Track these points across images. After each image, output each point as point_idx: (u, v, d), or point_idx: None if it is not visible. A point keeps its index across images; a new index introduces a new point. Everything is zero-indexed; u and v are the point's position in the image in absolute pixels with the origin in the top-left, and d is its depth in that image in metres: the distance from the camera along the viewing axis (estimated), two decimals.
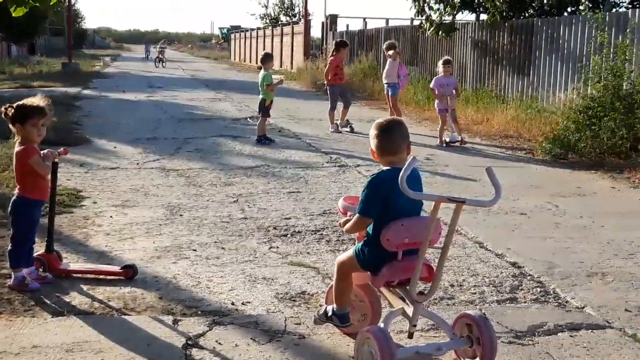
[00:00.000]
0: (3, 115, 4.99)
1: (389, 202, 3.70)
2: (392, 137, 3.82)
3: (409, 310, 3.77)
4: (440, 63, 12.83)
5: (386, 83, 14.25)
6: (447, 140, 12.26)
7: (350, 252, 3.99)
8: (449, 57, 13.67)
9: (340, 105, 14.29)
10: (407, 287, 3.77)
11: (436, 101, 12.68)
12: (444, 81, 12.48)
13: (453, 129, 12.49)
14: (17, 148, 5.01)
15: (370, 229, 3.82)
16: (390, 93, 14.17)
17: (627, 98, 10.76)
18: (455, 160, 10.82)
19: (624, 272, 5.65)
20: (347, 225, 3.97)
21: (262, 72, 12.51)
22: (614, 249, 6.31)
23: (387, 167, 3.79)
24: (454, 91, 12.50)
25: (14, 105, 4.96)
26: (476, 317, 3.81)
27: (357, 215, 3.85)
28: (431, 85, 12.89)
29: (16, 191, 5.08)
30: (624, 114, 10.57)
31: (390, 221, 3.67)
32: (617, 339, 4.34)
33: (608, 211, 7.74)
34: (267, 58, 12.78)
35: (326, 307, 4.20)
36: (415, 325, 3.80)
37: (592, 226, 7.07)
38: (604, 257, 6.05)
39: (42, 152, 5.05)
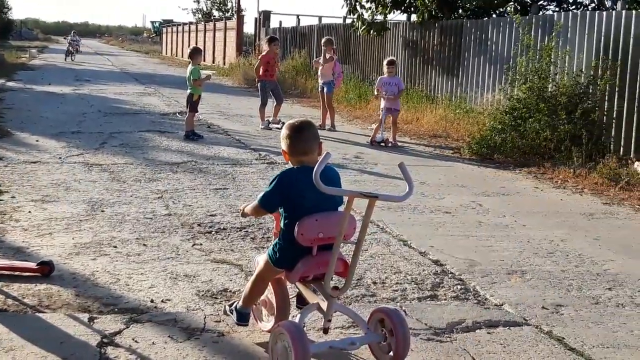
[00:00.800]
0: None
1: (299, 199, 3.71)
2: (303, 137, 3.83)
3: (324, 305, 3.78)
4: (384, 63, 12.94)
5: (322, 81, 14.28)
6: (376, 139, 12.29)
7: (264, 256, 4.01)
8: (393, 58, 13.79)
9: (272, 102, 14.23)
10: (322, 282, 3.76)
11: (380, 101, 12.73)
12: (387, 81, 12.55)
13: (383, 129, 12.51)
14: None
15: (283, 226, 3.82)
16: (325, 90, 14.18)
17: (551, 100, 11.00)
18: (385, 159, 10.88)
19: (542, 271, 5.75)
20: (248, 208, 4.04)
21: (190, 66, 12.36)
22: (534, 247, 6.43)
23: (297, 166, 3.83)
24: (397, 92, 12.53)
25: None
26: (389, 311, 3.84)
27: (257, 201, 3.89)
28: (376, 85, 12.94)
29: None
30: (548, 115, 10.80)
31: (303, 216, 3.67)
32: (533, 336, 4.40)
33: (530, 210, 7.89)
34: (196, 52, 12.64)
35: (234, 302, 4.23)
36: (330, 320, 3.78)
37: (514, 225, 7.19)
38: (524, 256, 6.15)
39: None
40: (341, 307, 3.96)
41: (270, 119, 14.01)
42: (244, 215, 4.16)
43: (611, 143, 10.85)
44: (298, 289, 4.07)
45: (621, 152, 10.63)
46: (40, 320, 4.32)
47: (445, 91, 16.50)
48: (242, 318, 4.13)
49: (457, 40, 16.18)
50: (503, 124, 11.38)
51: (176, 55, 51.73)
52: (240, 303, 4.12)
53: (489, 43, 14.92)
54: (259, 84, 14.31)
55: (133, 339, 4.08)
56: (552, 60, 11.63)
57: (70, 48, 38.60)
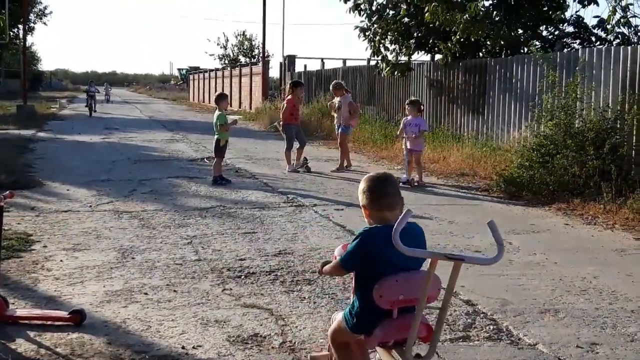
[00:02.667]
0: None
1: (381, 260, 3.45)
2: (386, 191, 3.57)
3: None
4: (405, 104, 13.10)
5: (337, 123, 14.50)
6: (401, 179, 12.26)
7: (338, 319, 3.73)
8: (414, 98, 13.89)
9: (296, 145, 14.33)
10: (404, 348, 3.46)
11: (403, 142, 12.82)
12: (409, 121, 12.61)
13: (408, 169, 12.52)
14: None
15: (359, 289, 3.58)
16: (340, 131, 14.36)
17: (578, 135, 10.94)
18: (412, 199, 10.85)
19: (575, 309, 5.68)
20: (327, 267, 3.79)
21: (216, 112, 12.51)
22: (566, 285, 6.36)
23: (377, 225, 3.55)
24: (418, 132, 12.49)
25: None
26: None
27: (338, 261, 3.65)
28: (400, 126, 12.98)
29: None
30: (575, 151, 10.74)
31: (383, 277, 3.42)
32: None
33: (561, 247, 7.81)
34: (221, 98, 12.80)
35: None
36: None
37: (545, 263, 7.13)
38: (557, 294, 6.08)
39: None
40: None
41: (294, 162, 14.08)
42: (322, 273, 3.88)
43: None
44: (378, 353, 3.79)
45: None
46: None
47: (471, 129, 16.51)
48: None
49: (481, 79, 16.23)
50: (530, 160, 11.34)
51: (203, 102, 52.38)
52: None
53: (513, 81, 14.94)
54: (284, 128, 14.39)
55: None
56: (577, 96, 11.60)
57: (92, 100, 34.47)
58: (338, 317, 3.79)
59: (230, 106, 42.50)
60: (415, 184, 12.26)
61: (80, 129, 23.96)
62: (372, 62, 22.30)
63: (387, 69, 18.70)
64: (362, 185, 3.64)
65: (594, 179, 10.49)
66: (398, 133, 12.83)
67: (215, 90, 48.11)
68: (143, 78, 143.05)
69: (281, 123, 14.45)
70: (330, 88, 15.24)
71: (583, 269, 6.88)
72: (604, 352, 4.76)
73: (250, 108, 35.86)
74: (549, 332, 5.11)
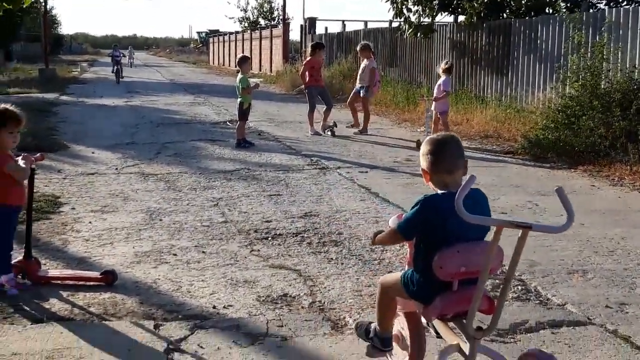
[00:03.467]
0: None
1: (442, 229, 3.26)
2: (448, 153, 3.37)
3: (466, 347, 3.32)
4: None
5: (359, 85, 14.36)
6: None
7: (396, 275, 3.59)
8: (447, 60, 13.81)
9: (321, 108, 14.28)
10: (464, 321, 3.30)
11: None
12: (438, 83, 12.69)
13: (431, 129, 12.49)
14: None
15: (419, 257, 3.40)
16: (362, 93, 14.27)
17: (605, 97, 10.82)
18: None
19: (603, 269, 5.67)
20: (380, 236, 3.63)
21: (239, 75, 12.49)
22: (594, 246, 6.34)
23: (441, 191, 3.36)
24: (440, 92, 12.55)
25: None
26: (543, 356, 3.32)
27: (395, 228, 3.47)
28: None
29: None
30: (602, 112, 10.63)
31: (444, 247, 3.23)
32: (598, 335, 4.35)
33: (588, 209, 7.77)
34: (244, 61, 12.75)
35: (369, 325, 3.85)
36: None
37: (573, 224, 7.07)
38: (584, 255, 6.07)
39: (17, 157, 4.99)
40: (486, 349, 3.44)
41: (321, 124, 14.05)
42: (375, 243, 3.71)
43: None
44: (434, 326, 3.65)
45: None
46: (107, 328, 4.41)
47: (494, 91, 16.38)
48: (386, 343, 3.75)
49: (505, 40, 16.05)
50: (556, 122, 11.25)
51: (223, 65, 52.26)
52: (378, 327, 3.74)
53: (538, 42, 14.77)
54: (306, 90, 14.38)
55: (198, 345, 4.14)
56: (604, 56, 11.45)
57: (117, 66, 31.47)
58: (394, 274, 3.68)
59: (251, 69, 42.41)
60: None
61: (102, 92, 24.01)
62: (395, 24, 22.10)
63: (410, 31, 18.52)
64: (423, 148, 3.43)
65: (620, 141, 10.39)
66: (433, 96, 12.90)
67: (236, 54, 48.01)
68: (163, 41, 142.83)
69: (303, 85, 14.35)
70: (357, 49, 15.10)
71: (610, 231, 6.86)
72: (633, 312, 4.76)
73: (271, 71, 35.72)
74: (578, 293, 5.11)
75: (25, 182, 5.08)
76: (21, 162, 4.93)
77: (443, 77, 12.58)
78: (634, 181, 9.27)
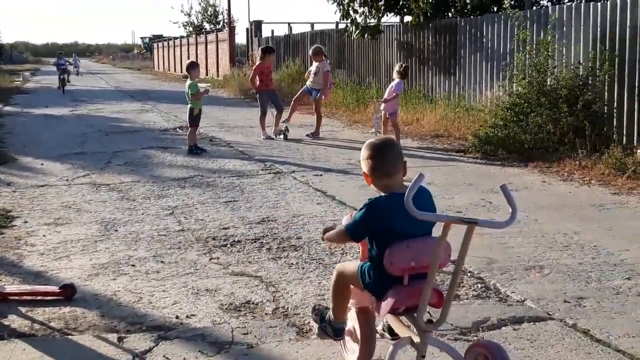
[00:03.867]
0: None
1: (389, 227, 3.37)
2: (387, 157, 3.48)
3: (417, 339, 3.43)
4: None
5: (310, 86, 14.33)
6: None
7: (354, 264, 3.70)
8: (402, 63, 13.74)
9: (272, 112, 14.25)
10: (415, 315, 3.40)
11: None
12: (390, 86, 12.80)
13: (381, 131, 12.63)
14: None
15: (373, 253, 3.50)
16: (313, 95, 14.29)
17: (551, 93, 11.04)
18: None
19: (560, 264, 5.78)
20: (329, 234, 3.73)
21: (188, 81, 12.41)
22: (549, 242, 6.46)
23: (384, 193, 3.47)
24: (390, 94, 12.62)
25: None
26: (491, 346, 3.43)
27: (343, 228, 3.57)
28: None
29: None
30: (549, 109, 10.84)
31: (394, 243, 3.35)
32: (559, 330, 4.43)
33: (540, 205, 7.91)
34: (192, 67, 12.66)
35: (325, 310, 3.98)
36: (423, 357, 3.41)
37: (526, 220, 7.20)
38: (540, 251, 6.18)
39: None
40: (436, 342, 3.56)
41: (273, 128, 14.03)
42: (324, 240, 3.83)
43: (614, 133, 10.86)
44: (387, 321, 3.83)
45: (625, 141, 10.64)
46: (70, 342, 4.34)
47: (443, 91, 16.56)
48: (338, 333, 3.88)
49: (452, 39, 16.24)
50: (505, 120, 11.43)
51: (168, 70, 51.87)
52: (332, 316, 3.85)
53: (484, 40, 14.97)
54: (257, 94, 14.32)
55: (164, 356, 4.10)
56: (549, 53, 11.66)
57: (64, 75, 29.47)
58: (345, 265, 3.82)
59: (185, 75, 42.08)
60: None
61: (47, 102, 23.56)
62: (341, 26, 22.20)
63: (357, 32, 18.62)
64: (363, 153, 3.55)
65: (568, 136, 10.63)
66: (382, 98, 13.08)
67: (181, 59, 47.68)
68: (105, 48, 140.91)
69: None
70: (310, 53, 15.10)
71: (564, 225, 6.99)
72: (591, 305, 4.85)
73: (218, 75, 35.55)
74: (536, 288, 5.20)
75: None
76: None
77: (396, 80, 12.66)
78: (583, 176, 9.47)
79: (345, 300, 3.80)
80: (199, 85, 12.73)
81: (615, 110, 10.96)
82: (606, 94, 11.11)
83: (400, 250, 3.34)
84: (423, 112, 15.55)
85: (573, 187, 8.97)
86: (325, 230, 3.82)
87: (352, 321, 3.90)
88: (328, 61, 15.20)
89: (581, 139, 10.36)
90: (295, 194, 8.68)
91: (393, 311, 3.49)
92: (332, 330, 3.88)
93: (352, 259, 5.92)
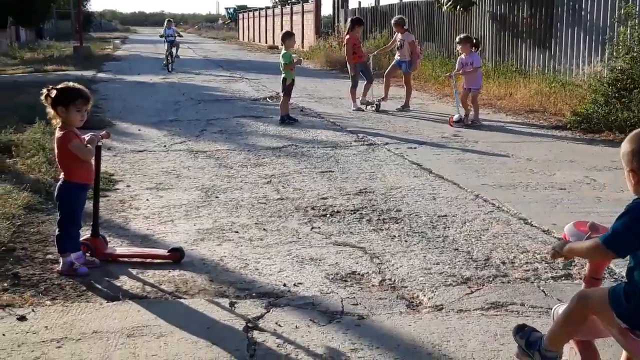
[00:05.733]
0: (44, 98, 4.88)
1: None
2: None
3: None
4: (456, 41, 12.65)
5: (399, 58, 14.13)
6: (454, 118, 11.86)
7: (602, 291, 3.00)
8: (464, 35, 12.90)
9: (361, 82, 14.14)
10: None
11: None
12: (462, 60, 12.19)
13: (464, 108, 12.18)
14: (57, 133, 4.91)
15: (637, 272, 2.87)
16: (402, 68, 14.09)
17: None
18: (483, 136, 10.71)
19: None
20: (576, 247, 3.05)
21: (282, 50, 12.41)
22: None
23: None
24: (470, 69, 12.03)
25: (58, 88, 4.87)
26: None
27: (599, 242, 2.85)
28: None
29: (61, 176, 5.01)
30: None
31: None
32: None
33: None
34: (288, 36, 12.64)
35: (534, 333, 3.32)
36: None
37: None
38: None
39: (84, 136, 4.98)
40: None
41: (361, 99, 13.93)
42: (557, 256, 3.18)
43: None
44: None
45: None
46: (183, 305, 4.39)
47: (537, 65, 16.14)
48: None
49: (548, 12, 15.79)
50: (606, 96, 11.05)
51: (254, 41, 52.17)
52: (546, 342, 3.18)
53: (582, 13, 14.50)
54: (351, 66, 14.09)
55: (276, 323, 4.11)
56: None
57: (170, 48, 23.81)
58: (598, 291, 3.05)
59: (282, 44, 42.22)
60: (469, 122, 11.84)
61: (138, 69, 24.02)
62: None
63: (449, 4, 18.29)
64: (630, 145, 2.85)
65: None
66: (454, 72, 12.45)
67: (266, 29, 47.90)
68: (191, 18, 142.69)
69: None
70: (392, 23, 14.92)
71: None
72: None
73: (303, 47, 35.56)
74: None
75: (92, 159, 5.07)
76: (87, 139, 4.93)
77: (472, 53, 12.18)
78: None
79: (575, 331, 3.13)
80: (293, 55, 12.67)
81: None
82: None
83: None
84: (516, 86, 15.19)
85: None
86: (561, 247, 3.13)
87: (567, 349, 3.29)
88: (411, 33, 14.85)
89: None
90: (390, 166, 8.60)
91: None
92: (541, 357, 3.19)
93: (459, 237, 5.83)
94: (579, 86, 12.99)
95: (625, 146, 2.86)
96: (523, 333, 3.35)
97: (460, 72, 12.18)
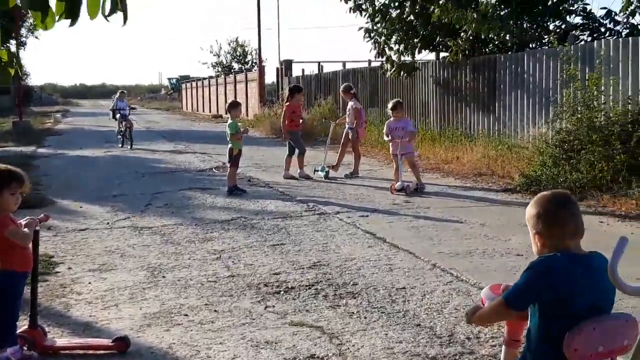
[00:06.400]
0: None
1: (570, 299, 2.83)
2: (573, 213, 2.94)
3: None
4: (388, 107, 12.45)
5: (348, 125, 14.20)
6: (395, 187, 11.51)
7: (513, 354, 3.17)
8: (398, 100, 12.75)
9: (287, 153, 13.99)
10: None
11: (390, 145, 12.20)
12: (394, 125, 12.02)
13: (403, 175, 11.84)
14: None
15: (533, 334, 2.95)
16: (350, 136, 14.08)
17: (603, 130, 10.68)
18: (435, 202, 10.59)
19: None
20: (481, 312, 3.09)
21: (229, 120, 12.22)
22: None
23: (557, 253, 2.90)
24: (407, 135, 11.82)
25: None
26: None
27: (501, 300, 2.96)
28: (384, 130, 12.27)
29: None
30: (601, 146, 10.47)
31: (576, 324, 2.79)
32: None
33: (606, 245, 7.43)
34: (234, 106, 12.46)
35: None
36: None
37: None
38: (619, 295, 5.78)
39: (20, 221, 4.64)
40: None
41: (298, 171, 13.72)
42: (472, 322, 3.21)
43: None
44: None
45: None
46: None
47: (482, 128, 16.25)
48: None
49: (491, 76, 15.98)
50: (554, 157, 11.07)
51: (197, 110, 52.04)
52: None
53: (525, 76, 14.71)
54: (286, 134, 13.91)
55: None
56: (598, 90, 11.32)
57: (124, 124, 21.64)
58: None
59: (226, 113, 42.15)
60: (414, 188, 11.49)
61: (80, 143, 23.50)
62: (374, 64, 22.04)
63: (392, 70, 18.41)
64: (535, 208, 2.98)
65: (622, 174, 10.23)
66: (387, 138, 12.12)
67: (210, 99, 47.84)
68: (133, 89, 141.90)
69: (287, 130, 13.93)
70: (340, 91, 14.94)
71: None
72: None
73: (247, 115, 35.51)
74: None
75: (30, 245, 4.72)
76: (24, 224, 4.60)
77: (403, 119, 12.18)
78: None
79: None
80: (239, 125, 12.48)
81: None
82: None
83: (587, 334, 2.78)
84: (463, 149, 15.22)
85: (634, 227, 8.57)
86: (473, 312, 3.16)
87: None
88: (356, 98, 14.86)
89: (636, 177, 9.97)
90: (343, 237, 8.37)
91: None
92: None
93: (421, 312, 5.61)
94: (524, 148, 13.04)
95: (530, 210, 2.99)
96: None
97: (396, 138, 11.84)
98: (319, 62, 30.33)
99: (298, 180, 13.36)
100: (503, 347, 3.36)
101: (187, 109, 57.47)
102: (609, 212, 9.49)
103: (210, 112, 46.52)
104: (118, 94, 23.59)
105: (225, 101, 42.23)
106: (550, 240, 2.92)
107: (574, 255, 2.88)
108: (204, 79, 51.49)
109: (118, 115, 21.89)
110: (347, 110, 14.44)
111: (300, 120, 14.36)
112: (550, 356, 2.86)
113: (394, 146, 11.88)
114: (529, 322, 2.99)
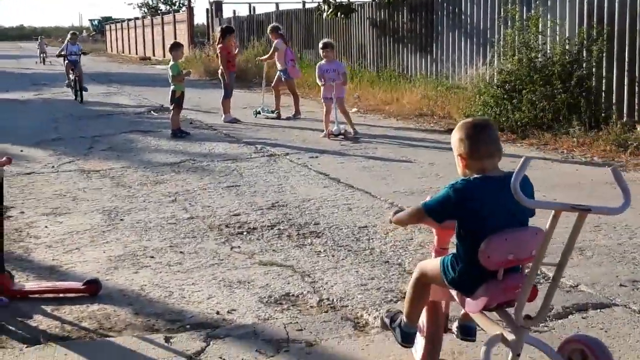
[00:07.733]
0: None
1: (483, 214, 3.08)
2: (489, 136, 3.18)
3: (511, 337, 3.13)
4: (319, 47, 11.90)
5: (280, 68, 14.04)
6: (333, 131, 11.17)
7: (434, 261, 3.39)
8: (328, 40, 12.39)
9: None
10: (507, 310, 3.20)
11: (321, 89, 11.59)
12: (326, 67, 11.43)
13: (339, 120, 11.27)
14: None
15: (460, 244, 3.19)
16: (283, 78, 13.96)
17: (543, 70, 10.87)
18: (382, 143, 10.67)
19: (599, 246, 5.60)
20: (400, 215, 3.40)
21: (170, 62, 11.99)
22: None
23: (477, 175, 3.14)
24: (340, 77, 11.26)
25: None
26: (591, 342, 3.19)
27: (420, 206, 3.23)
28: (316, 72, 11.65)
29: None
30: (542, 85, 10.67)
31: (490, 234, 3.02)
32: (628, 317, 4.23)
33: (552, 184, 7.70)
34: (175, 47, 12.22)
35: (397, 314, 3.63)
36: (519, 355, 3.12)
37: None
38: None
39: None
40: (533, 339, 3.27)
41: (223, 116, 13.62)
42: (394, 222, 3.48)
43: (612, 109, 10.68)
44: (472, 317, 3.39)
45: (625, 118, 10.45)
46: (114, 345, 4.00)
47: (420, 69, 16.32)
48: (407, 339, 3.52)
49: (428, 17, 16.01)
50: (496, 97, 11.24)
51: (123, 52, 50.79)
52: (405, 319, 3.50)
53: (462, 17, 14.77)
54: (225, 75, 13.68)
55: (220, 357, 3.80)
56: (539, 30, 11.48)
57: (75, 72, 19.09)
58: (424, 265, 3.45)
59: (154, 55, 41.33)
60: (350, 134, 11.12)
61: (5, 85, 22.71)
62: (309, 5, 21.82)
63: (329, 11, 18.28)
64: (458, 133, 3.21)
65: (562, 113, 10.48)
66: (320, 82, 11.44)
67: (136, 41, 46.70)
68: (53, 31, 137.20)
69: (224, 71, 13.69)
70: (268, 31, 14.75)
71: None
72: None
73: None
74: (586, 272, 5.00)
75: None
76: None
77: (335, 61, 11.91)
78: (584, 153, 9.36)
79: (423, 302, 3.48)
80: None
81: (614, 86, 10.68)
82: (603, 69, 10.86)
83: (499, 243, 3.02)
84: (402, 91, 15.29)
85: (577, 165, 8.83)
86: (396, 213, 3.48)
87: (421, 317, 3.61)
88: (283, 39, 14.61)
89: (576, 116, 10.23)
90: (297, 178, 8.38)
91: (485, 308, 3.19)
92: (401, 334, 3.52)
93: (387, 249, 5.68)
94: (464, 89, 13.19)
95: (455, 135, 3.25)
96: (389, 314, 3.73)
97: (329, 81, 11.29)
98: (250, 4, 29.88)
99: (241, 123, 13.24)
100: (432, 254, 3.63)
101: (112, 51, 55.97)
102: (550, 149, 9.74)
103: (137, 54, 45.45)
104: (69, 35, 19.95)
105: (153, 43, 41.50)
106: (471, 161, 3.16)
107: (488, 177, 3.12)
108: (129, 20, 50.11)
109: (66, 62, 18.84)
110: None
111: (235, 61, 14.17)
112: (472, 262, 3.09)
113: (328, 90, 11.22)
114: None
